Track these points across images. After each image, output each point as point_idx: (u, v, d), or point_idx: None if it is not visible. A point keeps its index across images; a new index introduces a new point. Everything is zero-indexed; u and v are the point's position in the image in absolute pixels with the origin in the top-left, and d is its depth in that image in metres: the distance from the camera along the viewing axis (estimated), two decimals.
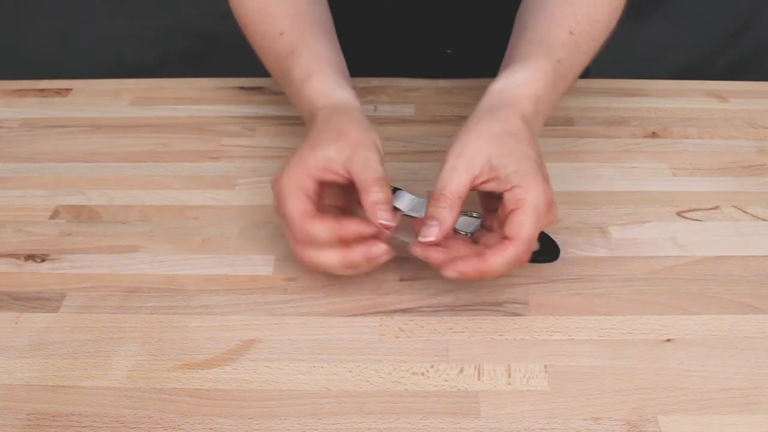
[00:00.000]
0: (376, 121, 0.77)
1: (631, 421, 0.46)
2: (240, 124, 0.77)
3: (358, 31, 0.84)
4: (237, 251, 0.60)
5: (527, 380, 0.49)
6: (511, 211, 0.50)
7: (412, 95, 0.81)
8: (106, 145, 0.74)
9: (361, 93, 0.81)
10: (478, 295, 0.55)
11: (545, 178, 0.52)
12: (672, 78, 0.85)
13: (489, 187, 0.52)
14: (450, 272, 0.50)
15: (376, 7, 0.82)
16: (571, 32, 0.60)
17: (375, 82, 0.83)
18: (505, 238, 0.50)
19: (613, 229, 0.62)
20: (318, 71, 0.60)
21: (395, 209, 0.53)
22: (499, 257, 0.50)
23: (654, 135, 0.75)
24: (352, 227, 0.51)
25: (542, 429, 0.46)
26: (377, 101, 0.80)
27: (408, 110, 0.79)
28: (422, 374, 0.49)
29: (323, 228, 0.51)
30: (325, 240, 0.51)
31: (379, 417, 0.47)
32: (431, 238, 0.51)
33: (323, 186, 0.53)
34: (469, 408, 0.47)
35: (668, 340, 0.52)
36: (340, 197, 0.55)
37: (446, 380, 0.49)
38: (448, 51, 0.86)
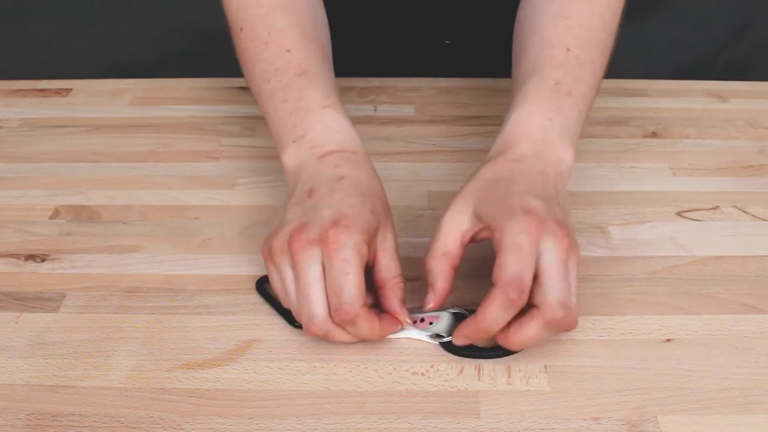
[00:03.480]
0: (376, 121, 0.77)
1: (631, 421, 0.46)
2: (240, 124, 0.77)
3: (354, 25, 0.84)
4: (237, 251, 0.60)
5: (527, 380, 0.49)
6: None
7: (412, 95, 0.81)
8: (106, 145, 0.74)
9: (361, 93, 0.82)
10: (479, 295, 0.55)
11: (528, 209, 0.48)
12: (672, 78, 0.85)
13: (482, 236, 0.51)
14: (457, 339, 0.50)
15: (372, 1, 0.82)
16: (567, 49, 0.57)
17: (375, 82, 0.83)
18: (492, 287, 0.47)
19: (613, 229, 0.62)
20: (336, 102, 0.57)
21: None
22: (489, 307, 0.47)
23: (654, 135, 0.75)
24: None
25: (542, 429, 0.46)
26: (377, 101, 0.80)
27: (408, 110, 0.79)
28: (422, 374, 0.49)
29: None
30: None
31: (380, 417, 0.47)
32: (429, 305, 0.51)
33: None
34: (469, 408, 0.47)
35: (668, 340, 0.52)
36: None
37: (446, 380, 0.49)
38: (447, 42, 0.86)
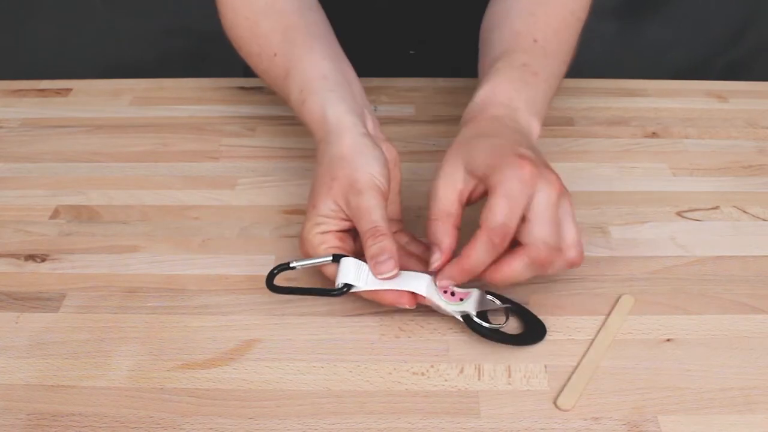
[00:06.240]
0: None
1: (631, 421, 0.46)
2: (240, 124, 0.77)
3: (352, 25, 0.84)
4: (237, 251, 0.60)
5: (527, 380, 0.49)
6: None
7: (412, 95, 0.81)
8: (106, 145, 0.74)
9: None
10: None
11: (522, 155, 0.49)
12: (672, 78, 0.85)
13: (478, 192, 0.51)
14: (441, 282, 0.50)
15: (336, 9, 0.82)
16: (535, 40, 0.60)
17: (375, 82, 0.83)
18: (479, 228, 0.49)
19: (613, 229, 0.62)
20: (309, 93, 0.58)
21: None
22: (472, 248, 0.48)
23: (654, 135, 0.75)
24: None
25: (542, 429, 0.46)
26: (377, 101, 0.80)
27: (408, 110, 0.79)
28: (422, 374, 0.49)
29: None
30: None
31: (380, 417, 0.47)
32: (436, 264, 0.50)
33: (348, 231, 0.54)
34: (469, 408, 0.47)
35: (668, 340, 0.52)
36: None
37: (446, 380, 0.49)
38: (411, 52, 0.86)
